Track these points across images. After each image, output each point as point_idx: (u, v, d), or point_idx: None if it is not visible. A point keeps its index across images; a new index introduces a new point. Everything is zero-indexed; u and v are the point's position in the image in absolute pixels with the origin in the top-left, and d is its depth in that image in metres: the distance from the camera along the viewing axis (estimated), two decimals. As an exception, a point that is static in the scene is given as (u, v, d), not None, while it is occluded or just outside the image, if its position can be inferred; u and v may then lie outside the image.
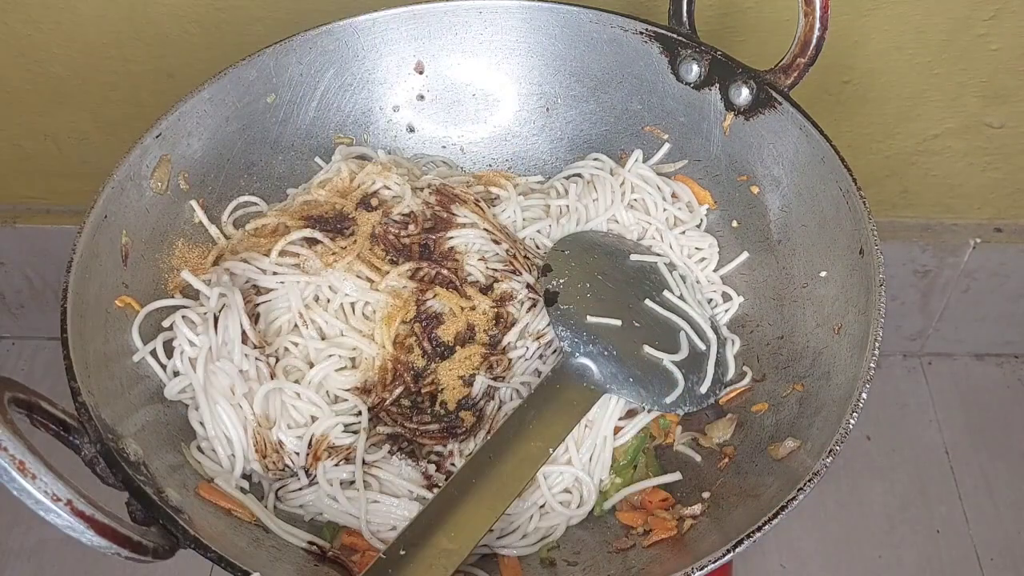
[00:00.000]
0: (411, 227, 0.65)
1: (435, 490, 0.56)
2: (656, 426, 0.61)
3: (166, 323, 0.60)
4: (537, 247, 0.68)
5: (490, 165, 0.75)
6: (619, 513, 0.57)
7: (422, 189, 0.68)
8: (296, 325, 0.61)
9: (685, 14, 0.68)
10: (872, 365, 0.52)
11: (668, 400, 0.60)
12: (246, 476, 0.57)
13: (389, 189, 0.67)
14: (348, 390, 0.60)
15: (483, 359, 0.60)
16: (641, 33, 0.68)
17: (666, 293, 0.65)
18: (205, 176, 0.66)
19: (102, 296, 0.57)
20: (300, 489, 0.57)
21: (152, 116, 0.63)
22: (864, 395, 0.51)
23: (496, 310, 0.62)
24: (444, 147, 0.75)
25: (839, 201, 0.60)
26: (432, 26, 0.71)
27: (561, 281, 0.63)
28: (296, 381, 0.59)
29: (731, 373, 0.63)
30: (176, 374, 0.59)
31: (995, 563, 0.95)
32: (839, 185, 0.60)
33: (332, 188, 0.67)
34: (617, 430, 0.60)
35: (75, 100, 0.87)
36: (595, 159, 0.72)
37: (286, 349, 0.60)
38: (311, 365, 0.60)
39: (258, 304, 0.61)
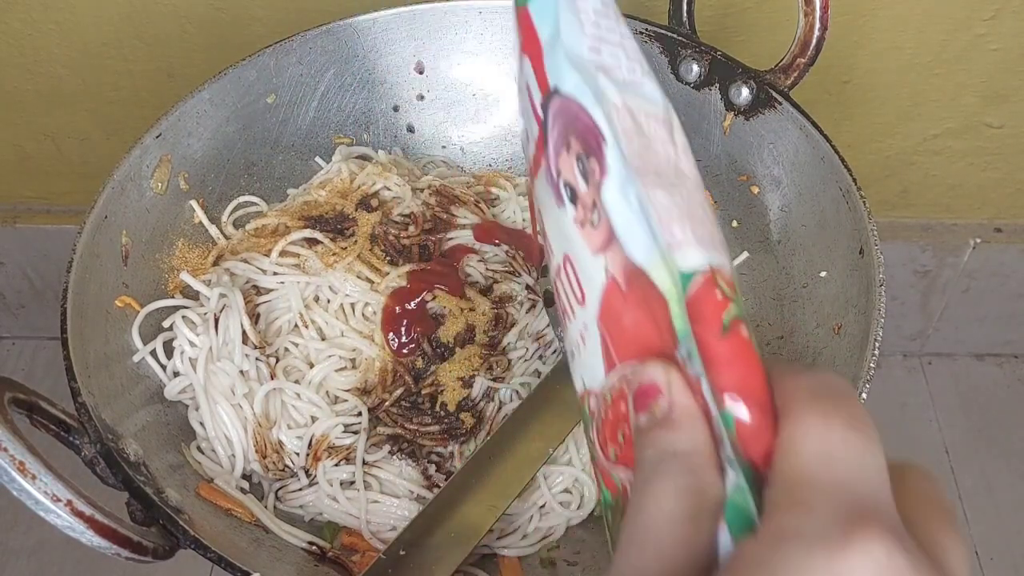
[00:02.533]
0: (411, 228, 0.65)
1: (435, 490, 0.56)
2: (656, 426, 0.61)
3: (166, 323, 0.60)
4: (537, 247, 0.68)
5: (490, 165, 0.75)
6: (619, 513, 0.57)
7: (422, 190, 0.68)
8: (296, 325, 0.61)
9: (685, 14, 0.68)
10: (872, 365, 0.52)
11: (668, 400, 0.60)
12: (246, 476, 0.57)
13: (389, 190, 0.67)
14: (348, 390, 0.60)
15: (483, 360, 0.60)
16: (641, 33, 0.68)
17: (666, 293, 0.64)
18: (205, 176, 0.66)
19: (102, 296, 0.57)
20: (300, 489, 0.57)
21: (152, 116, 0.63)
22: (864, 395, 0.51)
23: (495, 311, 0.62)
24: (444, 147, 0.75)
25: (839, 201, 0.60)
26: (432, 26, 0.71)
27: (561, 281, 0.63)
28: (296, 381, 0.59)
29: (731, 373, 0.63)
30: (176, 374, 0.59)
31: (995, 563, 0.95)
32: (839, 185, 0.60)
33: (332, 188, 0.67)
34: (617, 430, 0.60)
35: (75, 100, 0.87)
36: (595, 159, 0.72)
37: (286, 349, 0.60)
38: (311, 365, 0.60)
39: (258, 304, 0.61)
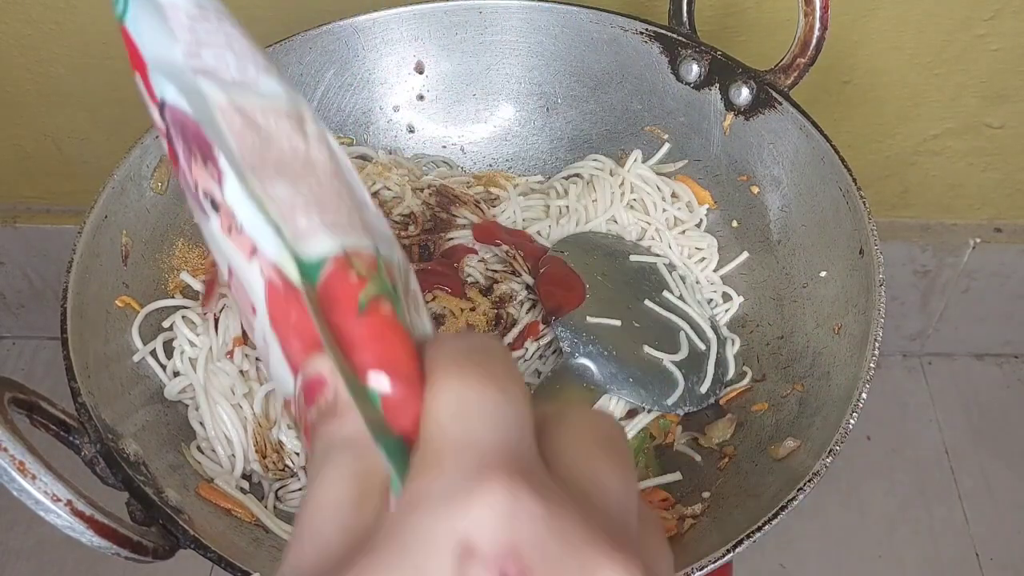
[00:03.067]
0: (411, 228, 0.65)
1: (435, 490, 0.56)
2: (656, 426, 0.61)
3: (166, 323, 0.60)
4: (537, 247, 0.68)
5: (490, 165, 0.75)
6: (619, 513, 0.57)
7: (422, 190, 0.68)
8: (296, 325, 0.61)
9: (685, 14, 0.68)
10: (872, 365, 0.52)
11: (668, 400, 0.60)
12: (246, 476, 0.57)
13: (389, 190, 0.67)
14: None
15: (483, 359, 0.60)
16: (641, 33, 0.68)
17: (666, 293, 0.65)
18: (205, 176, 0.66)
19: (102, 296, 0.57)
20: (300, 489, 0.57)
21: (152, 116, 0.63)
22: (864, 395, 0.51)
23: (496, 311, 0.62)
24: (444, 147, 0.75)
25: (839, 201, 0.60)
26: (432, 26, 0.71)
27: (561, 281, 0.63)
28: (296, 381, 0.59)
29: (731, 373, 0.63)
30: (176, 374, 0.59)
31: (995, 563, 0.95)
32: (839, 185, 0.60)
33: (332, 188, 0.67)
34: (617, 430, 0.60)
35: (75, 100, 0.87)
36: (594, 159, 0.72)
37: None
38: (311, 365, 0.60)
39: (258, 304, 0.61)
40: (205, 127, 0.27)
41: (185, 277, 0.61)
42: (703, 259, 0.68)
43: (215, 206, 0.28)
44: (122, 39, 0.30)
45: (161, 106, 0.29)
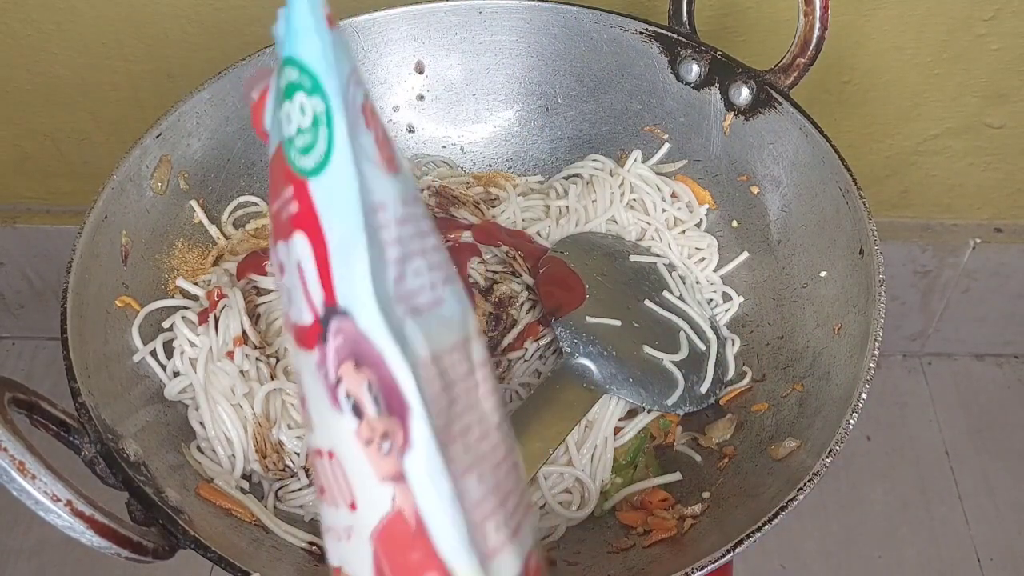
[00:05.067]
0: (411, 227, 0.65)
1: (435, 490, 0.56)
2: (656, 426, 0.61)
3: (166, 323, 0.60)
4: (537, 247, 0.68)
5: (490, 165, 0.75)
6: (619, 513, 0.57)
7: (422, 190, 0.68)
8: (296, 325, 0.61)
9: (685, 14, 0.68)
10: (872, 365, 0.52)
11: (668, 400, 0.60)
12: (246, 476, 0.57)
13: (389, 189, 0.67)
14: (348, 390, 0.60)
15: (483, 359, 0.60)
16: (641, 33, 0.68)
17: (665, 293, 0.65)
18: (205, 176, 0.66)
19: (102, 296, 0.57)
20: (300, 489, 0.57)
21: (152, 116, 0.63)
22: (864, 395, 0.51)
23: (496, 312, 0.62)
24: (444, 147, 0.75)
25: (839, 201, 0.60)
26: (432, 26, 0.71)
27: (561, 281, 0.63)
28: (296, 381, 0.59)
29: (731, 373, 0.63)
30: (176, 374, 0.59)
31: (995, 563, 0.95)
32: (839, 185, 0.60)
33: (332, 188, 0.67)
34: (617, 430, 0.60)
35: (75, 100, 0.87)
36: (594, 160, 0.72)
37: (286, 349, 0.60)
38: (311, 365, 0.60)
39: (259, 304, 0.61)
40: (406, 390, 0.23)
41: (181, 283, 0.61)
42: (703, 259, 0.68)
43: (358, 412, 0.24)
44: (294, 189, 0.25)
45: (338, 309, 0.24)
